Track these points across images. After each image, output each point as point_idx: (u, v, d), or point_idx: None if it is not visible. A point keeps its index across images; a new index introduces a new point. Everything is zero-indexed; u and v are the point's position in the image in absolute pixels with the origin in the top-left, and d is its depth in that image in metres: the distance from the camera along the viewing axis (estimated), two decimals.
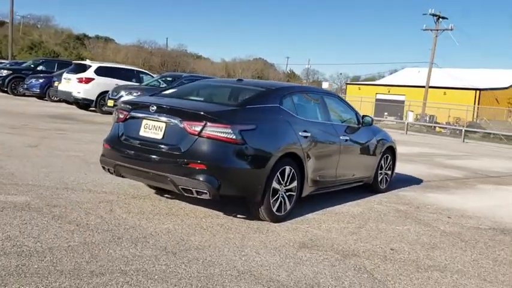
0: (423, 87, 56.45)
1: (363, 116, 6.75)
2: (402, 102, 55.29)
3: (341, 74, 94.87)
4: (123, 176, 5.15)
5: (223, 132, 4.48)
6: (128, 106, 5.06)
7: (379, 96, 58.62)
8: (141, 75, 17.80)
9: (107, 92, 16.00)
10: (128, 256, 3.73)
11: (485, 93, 54.88)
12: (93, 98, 16.21)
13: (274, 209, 4.97)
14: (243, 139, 4.57)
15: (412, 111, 54.52)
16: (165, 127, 4.71)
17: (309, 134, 5.36)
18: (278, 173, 4.94)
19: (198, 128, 4.51)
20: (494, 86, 56.76)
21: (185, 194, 4.61)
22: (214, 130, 4.48)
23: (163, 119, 4.72)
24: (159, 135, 4.74)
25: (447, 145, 21.19)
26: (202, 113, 4.58)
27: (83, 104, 16.68)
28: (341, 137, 6.06)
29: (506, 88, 58.47)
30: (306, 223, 5.20)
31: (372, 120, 6.79)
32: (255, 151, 4.70)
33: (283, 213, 5.11)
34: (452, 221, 6.02)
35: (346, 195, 6.62)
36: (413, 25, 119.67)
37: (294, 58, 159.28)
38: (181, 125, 4.59)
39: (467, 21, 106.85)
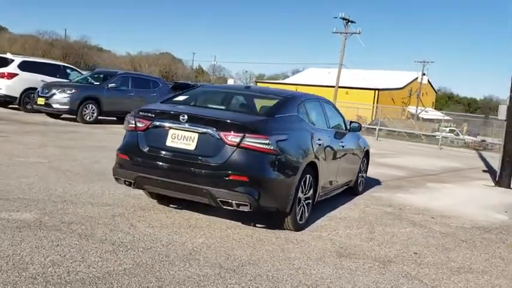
0: (329, 86, 59.23)
1: (350, 122, 6.98)
2: None
3: (246, 71, 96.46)
4: (143, 189, 4.86)
5: (262, 143, 4.41)
6: (149, 115, 4.77)
7: None
8: (67, 70, 16.67)
9: (31, 88, 14.80)
10: (193, 277, 3.55)
11: (383, 93, 58.89)
12: (17, 95, 14.88)
13: (298, 218, 5.00)
14: (279, 149, 4.53)
15: None
16: (198, 138, 4.52)
17: (321, 142, 5.45)
18: (302, 182, 4.97)
19: (237, 139, 4.39)
20: (391, 86, 61.12)
21: (223, 207, 4.46)
22: (253, 141, 4.39)
23: (196, 129, 4.52)
24: (191, 146, 4.53)
25: None
26: (241, 123, 4.47)
27: (4, 101, 15.23)
28: (339, 143, 6.24)
29: (401, 88, 63.25)
30: (322, 230, 5.28)
31: (360, 126, 7.05)
32: (288, 161, 4.69)
33: (303, 221, 5.16)
34: (438, 221, 6.45)
35: (332, 199, 6.75)
36: (324, 27, 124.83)
37: (200, 54, 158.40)
38: (218, 136, 4.43)
39: (375, 25, 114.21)
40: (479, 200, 8.88)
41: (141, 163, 4.67)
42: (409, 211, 6.91)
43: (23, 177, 6.11)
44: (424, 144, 29.08)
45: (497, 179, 11.39)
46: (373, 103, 55.83)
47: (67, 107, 13.65)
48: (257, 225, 5.12)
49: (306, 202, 5.16)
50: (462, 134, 42.82)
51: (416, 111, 60.24)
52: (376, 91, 58.88)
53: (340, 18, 40.01)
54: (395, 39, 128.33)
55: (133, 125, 4.83)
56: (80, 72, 17.30)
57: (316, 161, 5.23)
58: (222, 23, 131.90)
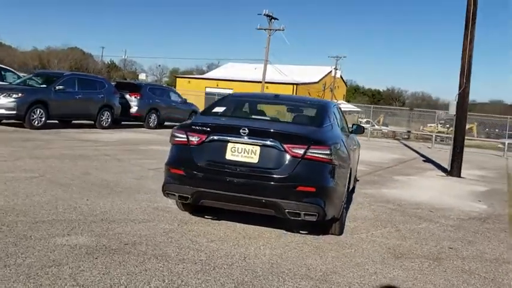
0: (251, 81, 59.99)
1: (352, 125, 7.29)
2: None
3: (159, 66, 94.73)
4: (199, 203, 4.77)
5: (325, 154, 4.53)
6: (205, 128, 4.69)
7: (208, 90, 60.37)
8: (2, 72, 15.43)
9: None
10: None
11: (301, 87, 60.73)
12: None
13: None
14: (336, 158, 4.69)
15: None
16: (260, 150, 4.54)
17: (350, 147, 5.69)
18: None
19: (301, 151, 4.47)
20: (308, 80, 63.21)
21: (291, 218, 4.53)
22: (317, 152, 4.49)
23: (258, 141, 4.54)
24: (253, 159, 4.54)
25: None
26: (304, 135, 4.56)
27: None
28: (353, 145, 6.54)
29: (317, 82, 65.62)
30: (357, 232, 5.51)
31: (363, 128, 7.36)
32: (341, 169, 4.86)
33: (344, 226, 5.37)
34: (439, 214, 6.98)
35: None
36: (242, 23, 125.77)
37: (110, 49, 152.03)
38: (282, 148, 4.48)
39: (297, 22, 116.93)
40: (448, 191, 9.64)
41: (199, 178, 4.60)
42: (408, 206, 7.37)
43: (33, 195, 5.73)
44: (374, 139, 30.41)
45: (449, 170, 12.41)
46: None
47: (14, 112, 12.70)
48: (300, 231, 5.24)
49: (345, 205, 5.38)
50: (378, 125, 45.49)
51: None
52: (295, 85, 60.51)
53: (264, 15, 40.63)
54: (315, 35, 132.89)
55: (185, 139, 4.73)
56: (15, 73, 16.08)
57: (351, 165, 5.46)
58: (132, 16, 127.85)
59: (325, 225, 5.05)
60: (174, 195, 4.73)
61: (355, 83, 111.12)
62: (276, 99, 5.98)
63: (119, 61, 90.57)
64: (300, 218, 4.49)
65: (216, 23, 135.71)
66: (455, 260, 4.80)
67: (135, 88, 17.90)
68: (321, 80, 67.05)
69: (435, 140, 27.52)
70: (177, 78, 68.85)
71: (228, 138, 4.60)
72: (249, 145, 4.55)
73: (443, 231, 5.95)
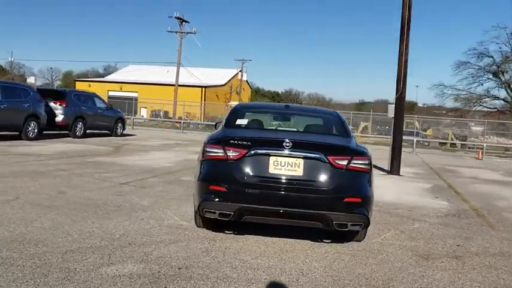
0: (156, 84, 58.83)
1: None
2: (135, 99, 56.52)
3: (51, 68, 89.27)
4: (242, 220, 4.64)
5: (365, 164, 4.66)
6: (245, 143, 4.58)
7: (111, 94, 58.21)
8: None
9: None
10: None
11: (209, 90, 60.81)
12: None
13: None
14: (371, 167, 4.85)
15: (146, 108, 56.43)
16: (304, 163, 4.55)
17: None
18: None
19: (345, 162, 4.56)
20: (216, 83, 63.46)
21: (337, 229, 4.59)
22: (359, 162, 4.61)
23: (302, 154, 4.54)
24: (297, 172, 4.53)
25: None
26: (347, 147, 4.65)
27: None
28: None
29: (224, 85, 66.10)
30: (371, 237, 5.73)
31: None
32: (372, 177, 5.03)
33: None
34: (418, 213, 7.44)
35: None
36: (160, 26, 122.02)
37: None
38: (327, 160, 4.53)
39: (208, 25, 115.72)
40: (402, 189, 10.26)
41: (242, 193, 4.49)
42: (388, 207, 7.78)
43: (29, 220, 5.24)
44: None
45: (389, 169, 13.22)
46: (201, 100, 57.32)
47: None
48: (324, 240, 5.33)
49: None
50: None
51: None
52: (203, 88, 60.41)
53: (175, 17, 40.07)
54: (224, 39, 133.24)
55: (223, 154, 4.59)
56: None
57: None
58: (19, 17, 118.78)
59: (352, 233, 5.18)
60: (214, 212, 4.57)
61: (255, 85, 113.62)
62: (290, 110, 5.99)
63: (5, 63, 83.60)
64: (346, 229, 4.58)
65: (114, 24, 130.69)
66: (473, 256, 5.18)
67: (60, 95, 16.74)
68: (227, 82, 67.61)
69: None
70: (77, 82, 65.26)
71: (270, 151, 4.55)
72: (292, 158, 4.53)
73: (437, 230, 6.37)
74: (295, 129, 5.53)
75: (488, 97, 41.30)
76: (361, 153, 4.65)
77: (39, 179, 7.90)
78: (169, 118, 46.25)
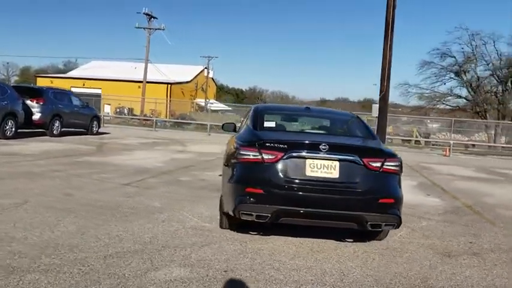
0: (120, 81, 57.80)
1: None
2: (99, 95, 55.40)
3: (8, 63, 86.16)
4: (278, 222, 4.68)
5: (396, 166, 4.79)
6: (282, 146, 4.62)
7: (74, 90, 56.72)
8: None
9: None
10: None
11: (175, 87, 60.25)
12: None
13: None
14: (401, 169, 4.98)
15: (110, 105, 55.41)
16: (339, 165, 4.63)
17: None
18: None
19: (379, 164, 4.67)
20: (181, 80, 62.89)
21: (371, 229, 4.70)
22: (391, 164, 4.74)
23: (338, 157, 4.63)
24: (333, 174, 4.61)
25: (165, 135, 23.25)
26: (380, 149, 4.77)
27: None
28: None
29: (189, 82, 65.60)
30: (392, 235, 5.85)
31: None
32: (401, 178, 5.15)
33: None
34: (420, 211, 7.66)
35: None
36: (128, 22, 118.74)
37: None
38: (362, 163, 4.63)
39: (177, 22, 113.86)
40: None
41: (279, 196, 4.54)
42: None
43: (51, 225, 5.13)
44: None
45: None
46: (166, 97, 56.80)
47: None
48: (347, 240, 5.45)
49: None
50: None
51: (206, 103, 63.33)
52: (169, 85, 59.77)
53: (143, 13, 39.44)
54: (192, 35, 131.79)
55: (259, 157, 4.62)
56: None
57: None
58: None
59: (376, 232, 5.31)
60: (251, 215, 4.59)
61: (219, 82, 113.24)
62: (312, 112, 6.06)
63: None
64: (380, 229, 4.70)
65: (75, 19, 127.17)
66: (489, 253, 5.40)
67: (37, 93, 16.22)
68: (193, 79, 67.11)
69: None
70: (38, 78, 63.22)
71: (307, 154, 4.61)
72: (327, 160, 4.61)
73: (445, 227, 6.60)
74: (323, 132, 5.62)
75: (451, 96, 42.72)
76: (392, 156, 4.78)
77: (37, 180, 7.68)
78: (135, 115, 45.53)
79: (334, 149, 4.62)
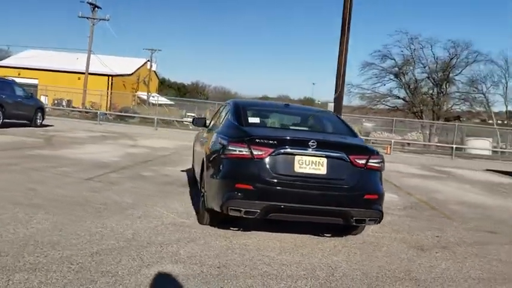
0: (59, 71, 55.56)
1: None
2: (35, 86, 53.03)
3: None
4: (268, 217, 4.68)
5: (379, 163, 4.94)
6: (271, 142, 4.62)
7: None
8: None
9: None
10: None
11: (116, 79, 58.69)
12: None
13: None
14: (383, 166, 5.14)
15: (47, 96, 53.10)
16: (327, 162, 4.71)
17: None
18: None
19: (364, 161, 4.79)
20: (123, 72, 61.31)
21: (355, 225, 4.82)
22: (374, 161, 4.87)
23: (325, 154, 4.70)
24: (321, 171, 4.68)
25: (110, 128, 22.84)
26: (365, 146, 4.89)
27: None
28: None
29: (131, 75, 64.10)
30: (363, 230, 6.07)
31: None
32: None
33: None
34: (391, 206, 7.98)
35: None
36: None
37: None
38: (348, 159, 4.74)
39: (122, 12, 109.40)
40: None
41: (269, 192, 4.55)
42: None
43: (23, 221, 4.87)
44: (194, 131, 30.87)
45: None
46: (107, 89, 55.26)
47: None
48: (325, 235, 5.56)
49: None
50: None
51: (148, 97, 62.19)
52: (110, 77, 58.14)
53: (87, 2, 37.96)
54: (136, 27, 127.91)
55: (248, 153, 4.61)
56: None
57: None
58: None
59: (353, 227, 5.44)
60: (240, 210, 4.58)
61: (161, 76, 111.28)
62: (292, 109, 6.10)
63: None
64: (363, 224, 4.83)
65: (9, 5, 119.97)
66: (456, 247, 5.68)
67: None
68: (135, 72, 65.59)
69: None
70: None
71: (296, 151, 4.65)
72: (315, 157, 4.68)
73: (410, 222, 6.87)
74: (308, 129, 5.68)
75: (390, 96, 44.50)
76: (376, 153, 4.93)
77: None
78: (74, 107, 43.84)
79: (322, 145, 4.69)
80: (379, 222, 4.96)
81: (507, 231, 6.86)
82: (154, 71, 75.99)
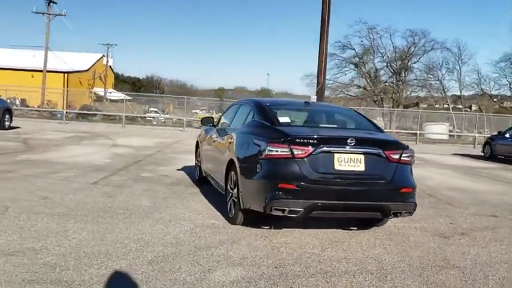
0: (10, 69, 53.48)
1: None
2: None
3: None
4: (311, 215, 4.77)
5: (409, 156, 5.11)
6: (312, 141, 4.70)
7: None
8: None
9: None
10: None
11: (72, 76, 57.07)
12: None
13: None
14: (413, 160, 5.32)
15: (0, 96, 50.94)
16: (364, 158, 4.84)
17: None
18: None
19: (398, 156, 4.95)
20: (79, 68, 59.65)
21: (391, 217, 4.98)
22: (406, 156, 5.05)
23: (363, 150, 4.82)
24: (359, 167, 4.80)
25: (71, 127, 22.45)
26: (398, 142, 5.05)
27: None
28: None
29: (87, 71, 62.49)
30: (383, 222, 6.26)
31: None
32: None
33: None
34: None
35: None
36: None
37: None
38: (384, 155, 4.88)
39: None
40: None
41: (312, 190, 4.64)
42: None
43: (64, 231, 4.78)
44: (167, 128, 30.60)
45: None
46: (64, 86, 53.69)
47: None
48: (351, 228, 5.72)
49: None
50: (169, 114, 45.87)
51: (105, 93, 60.83)
52: (66, 74, 56.50)
53: None
54: (90, 23, 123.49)
55: (289, 153, 4.68)
56: None
57: None
58: None
59: (377, 220, 5.58)
60: (284, 210, 4.65)
61: (116, 71, 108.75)
62: (314, 107, 6.19)
63: None
64: (399, 216, 5.01)
65: None
66: (472, 233, 5.95)
67: None
68: (91, 67, 63.96)
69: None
70: None
71: (335, 149, 4.76)
72: (353, 154, 4.80)
73: (419, 211, 7.00)
74: (338, 126, 5.78)
75: (352, 86, 45.43)
76: (407, 147, 5.10)
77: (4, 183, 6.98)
78: (28, 107, 42.18)
79: (359, 143, 4.82)
80: (413, 214, 5.15)
81: (508, 215, 7.23)
82: (110, 66, 74.29)
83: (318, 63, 13.68)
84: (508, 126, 21.90)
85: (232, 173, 5.42)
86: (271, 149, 4.71)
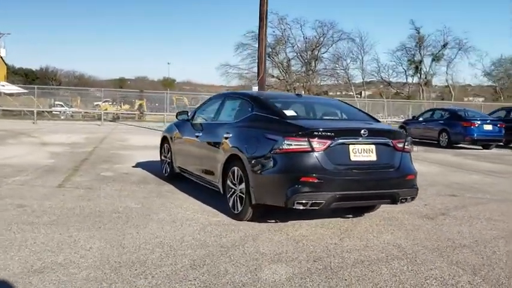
0: None
1: None
2: None
3: None
4: (331, 207, 4.84)
5: (409, 144, 5.39)
6: (329, 134, 4.75)
7: None
8: None
9: None
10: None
11: None
12: None
13: None
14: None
15: None
16: (375, 149, 5.00)
17: None
18: None
19: (402, 144, 5.19)
20: None
21: (398, 204, 5.20)
22: (408, 144, 5.33)
23: (374, 141, 4.98)
24: (372, 157, 4.96)
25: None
26: (402, 131, 5.28)
27: None
28: None
29: None
30: (373, 208, 6.53)
31: None
32: None
33: None
34: None
35: None
36: None
37: None
38: (392, 144, 5.09)
39: None
40: None
41: (333, 182, 4.72)
42: None
43: (69, 244, 4.42)
44: (79, 122, 28.98)
45: None
46: None
47: None
48: (347, 216, 5.91)
49: None
50: (76, 107, 43.28)
51: None
52: None
53: None
54: None
55: (308, 146, 4.71)
56: None
57: None
58: None
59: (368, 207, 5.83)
60: (306, 203, 4.68)
61: (10, 63, 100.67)
62: (307, 99, 6.21)
63: None
64: (404, 202, 5.26)
65: None
66: (451, 212, 6.42)
67: None
68: None
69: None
70: None
71: (350, 140, 4.88)
72: (367, 145, 4.96)
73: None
74: (340, 118, 5.85)
75: (267, 75, 46.14)
76: (407, 136, 5.37)
77: None
78: None
79: (372, 133, 4.99)
80: (414, 199, 5.43)
81: (464, 193, 7.86)
82: (1, 57, 68.58)
83: (258, 57, 13.79)
84: (420, 111, 23.65)
85: (236, 168, 5.33)
86: (289, 143, 4.71)
